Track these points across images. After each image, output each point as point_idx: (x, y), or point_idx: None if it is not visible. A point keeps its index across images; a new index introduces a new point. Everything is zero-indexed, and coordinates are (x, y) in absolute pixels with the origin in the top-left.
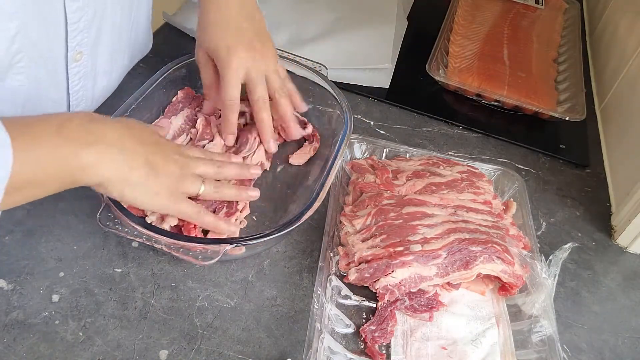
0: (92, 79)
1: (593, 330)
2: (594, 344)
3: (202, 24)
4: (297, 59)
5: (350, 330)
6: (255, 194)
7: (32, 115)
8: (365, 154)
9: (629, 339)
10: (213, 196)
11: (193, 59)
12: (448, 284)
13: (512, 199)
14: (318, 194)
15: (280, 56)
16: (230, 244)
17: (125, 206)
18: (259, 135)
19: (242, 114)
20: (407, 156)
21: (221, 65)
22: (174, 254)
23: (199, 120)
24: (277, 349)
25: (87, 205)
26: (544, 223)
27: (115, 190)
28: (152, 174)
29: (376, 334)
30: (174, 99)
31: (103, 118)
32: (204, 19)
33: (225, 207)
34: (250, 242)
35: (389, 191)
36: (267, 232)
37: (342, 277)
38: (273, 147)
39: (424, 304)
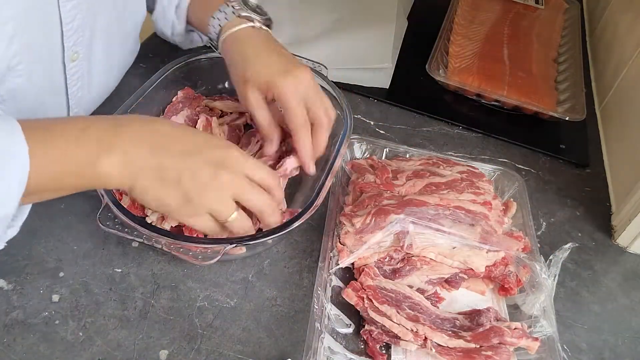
0: (89, 78)
1: (593, 330)
2: (594, 344)
3: (242, 65)
4: (297, 58)
5: (350, 330)
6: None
7: (52, 118)
8: (365, 154)
9: (629, 339)
10: (237, 231)
11: (193, 58)
12: (448, 283)
13: (512, 199)
14: (318, 194)
15: None
16: (230, 244)
17: (125, 206)
18: (261, 139)
19: (242, 114)
20: (407, 156)
21: (280, 92)
22: (174, 253)
23: (199, 120)
24: (277, 349)
25: (87, 205)
26: (544, 223)
27: (129, 192)
28: (162, 182)
29: (376, 334)
30: (174, 99)
31: (128, 120)
32: (244, 58)
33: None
34: (250, 242)
35: (389, 191)
36: (267, 232)
37: (342, 277)
38: (312, 170)
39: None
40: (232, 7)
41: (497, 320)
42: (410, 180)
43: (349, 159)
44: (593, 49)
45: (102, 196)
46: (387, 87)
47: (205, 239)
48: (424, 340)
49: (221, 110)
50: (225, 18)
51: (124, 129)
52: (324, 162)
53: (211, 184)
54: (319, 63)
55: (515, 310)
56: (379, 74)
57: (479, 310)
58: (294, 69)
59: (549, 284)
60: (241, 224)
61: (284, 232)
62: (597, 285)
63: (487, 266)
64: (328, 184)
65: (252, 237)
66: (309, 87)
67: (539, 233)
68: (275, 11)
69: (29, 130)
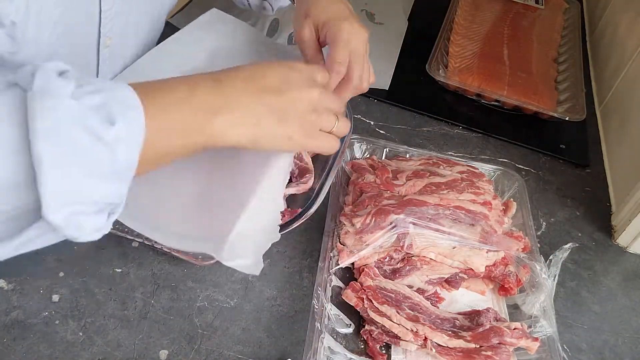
0: (120, 63)
1: (593, 330)
2: (594, 344)
3: (309, 1)
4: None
5: (350, 330)
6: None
7: (158, 80)
8: (365, 154)
9: (629, 339)
10: (342, 133)
11: None
12: (448, 283)
13: (512, 199)
14: (318, 194)
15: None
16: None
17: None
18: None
19: None
20: (407, 156)
21: (333, 33)
22: (175, 253)
23: None
24: (277, 349)
25: None
26: (544, 223)
27: (250, 146)
28: (282, 121)
29: (376, 334)
30: None
31: (225, 76)
32: None
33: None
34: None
35: (389, 191)
36: None
37: (342, 277)
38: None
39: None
40: None
41: (497, 320)
42: (410, 180)
43: (349, 159)
44: (593, 49)
45: None
46: (387, 88)
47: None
48: (424, 340)
49: None
50: None
51: (228, 85)
52: (324, 162)
53: (312, 103)
54: None
55: (515, 310)
56: (379, 74)
57: (479, 310)
58: (354, 22)
59: (549, 284)
60: (344, 126)
61: (283, 232)
62: (597, 285)
63: (487, 266)
64: (328, 184)
65: None
66: (359, 44)
67: (539, 233)
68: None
69: (139, 90)
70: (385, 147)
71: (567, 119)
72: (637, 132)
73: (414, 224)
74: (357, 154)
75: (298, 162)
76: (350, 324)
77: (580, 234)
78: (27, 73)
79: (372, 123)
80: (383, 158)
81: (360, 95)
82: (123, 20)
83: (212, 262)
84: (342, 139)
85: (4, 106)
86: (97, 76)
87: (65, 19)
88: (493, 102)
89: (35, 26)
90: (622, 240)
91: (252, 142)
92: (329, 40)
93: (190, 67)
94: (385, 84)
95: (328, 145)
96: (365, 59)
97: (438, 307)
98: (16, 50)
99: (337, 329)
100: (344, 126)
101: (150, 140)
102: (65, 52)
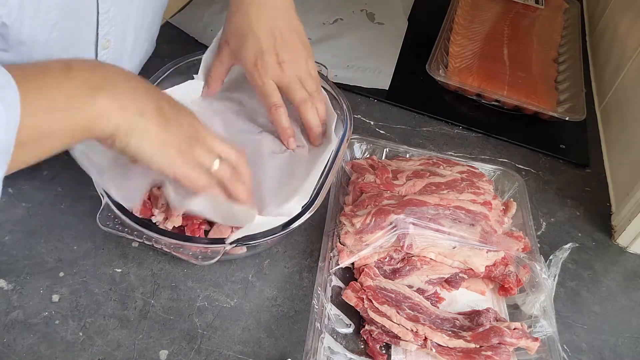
0: (120, 64)
1: (593, 330)
2: (594, 344)
3: (232, 19)
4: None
5: (350, 330)
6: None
7: (35, 62)
8: (365, 154)
9: (629, 339)
10: (227, 179)
11: (193, 58)
12: (448, 283)
13: (512, 199)
14: (318, 194)
15: None
16: (231, 244)
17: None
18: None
19: None
20: (407, 156)
21: (250, 76)
22: (175, 253)
23: None
24: (277, 349)
25: (87, 205)
26: (544, 223)
27: (121, 141)
28: (163, 123)
29: (376, 334)
30: None
31: (107, 63)
32: (235, 14)
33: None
34: (251, 242)
35: (389, 191)
36: (267, 231)
37: (342, 277)
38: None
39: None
40: None
41: (497, 320)
42: (410, 180)
43: (349, 159)
44: (593, 49)
45: (102, 196)
46: (387, 88)
47: (206, 239)
48: (424, 340)
49: None
50: None
51: (109, 70)
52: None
53: (200, 136)
54: (319, 63)
55: (515, 310)
56: (379, 74)
57: (479, 310)
58: (254, 35)
59: (549, 284)
60: (225, 171)
61: (284, 232)
62: (597, 285)
63: (487, 266)
64: (328, 184)
65: (252, 237)
66: (284, 76)
67: (539, 233)
68: None
69: (12, 69)
70: (385, 147)
71: (567, 119)
72: (637, 132)
73: (414, 224)
74: (357, 154)
75: None
76: (350, 324)
77: (580, 234)
78: None
79: (372, 123)
80: (383, 158)
81: (360, 95)
82: (122, 22)
83: (212, 261)
84: (342, 140)
85: None
86: None
87: (62, 22)
88: (493, 102)
89: (30, 29)
90: (622, 240)
91: (126, 135)
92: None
93: None
94: (385, 84)
95: (196, 176)
96: (307, 83)
97: (438, 307)
98: (6, 49)
99: (337, 329)
100: (224, 171)
101: (28, 120)
102: (62, 54)
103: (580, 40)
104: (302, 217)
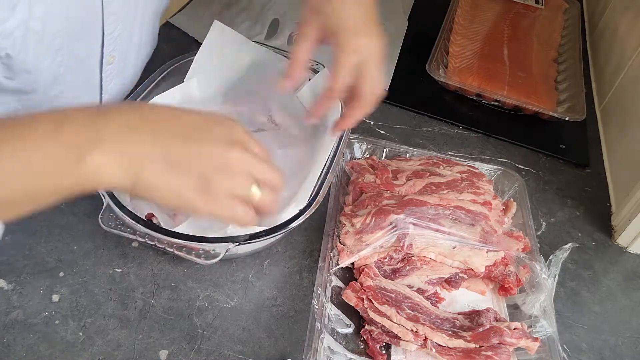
0: (122, 76)
1: (593, 330)
2: (594, 344)
3: None
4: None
5: (350, 330)
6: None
7: (25, 114)
8: (365, 154)
9: (629, 339)
10: (265, 206)
11: (192, 57)
12: (448, 283)
13: (512, 199)
14: (318, 194)
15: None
16: (232, 244)
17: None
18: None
19: None
20: (407, 156)
21: (336, 51)
22: (177, 253)
23: None
24: (277, 349)
25: (87, 205)
26: (544, 223)
27: (133, 191)
28: (174, 171)
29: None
30: None
31: (109, 109)
32: None
33: None
34: (250, 242)
35: (389, 191)
36: (267, 231)
37: (342, 277)
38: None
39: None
40: None
41: (497, 321)
42: (410, 180)
43: (349, 159)
44: (593, 49)
45: (104, 197)
46: (387, 87)
47: (207, 238)
48: (424, 340)
49: None
50: None
51: (109, 119)
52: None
53: (225, 162)
54: (318, 62)
55: (515, 310)
56: None
57: (479, 310)
58: (366, 34)
59: (549, 284)
60: (266, 197)
61: (284, 232)
62: (597, 285)
63: (487, 266)
64: (328, 184)
65: (252, 237)
66: (368, 57)
67: (539, 233)
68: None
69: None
70: (385, 147)
71: (567, 119)
72: (637, 132)
73: (414, 224)
74: (357, 154)
75: None
76: (350, 324)
77: (580, 234)
78: None
79: (372, 123)
80: (383, 158)
81: None
82: (126, 37)
83: (214, 260)
84: (342, 140)
85: None
86: (101, 91)
87: (67, 46)
88: (493, 102)
89: (34, 56)
90: (622, 240)
91: (133, 188)
92: (332, 57)
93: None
94: (385, 84)
95: (230, 214)
96: (373, 71)
97: (438, 307)
98: (11, 77)
99: (337, 329)
100: (268, 200)
101: (8, 181)
102: (68, 74)
103: (580, 40)
104: (302, 217)
